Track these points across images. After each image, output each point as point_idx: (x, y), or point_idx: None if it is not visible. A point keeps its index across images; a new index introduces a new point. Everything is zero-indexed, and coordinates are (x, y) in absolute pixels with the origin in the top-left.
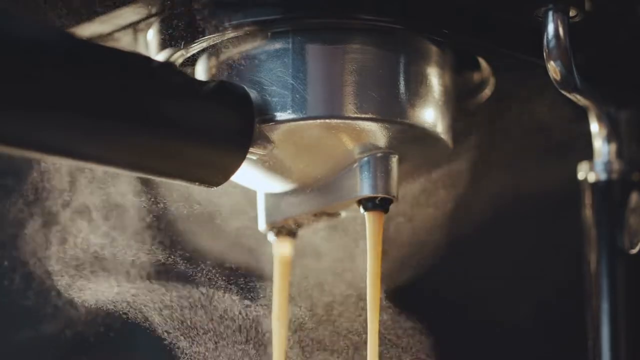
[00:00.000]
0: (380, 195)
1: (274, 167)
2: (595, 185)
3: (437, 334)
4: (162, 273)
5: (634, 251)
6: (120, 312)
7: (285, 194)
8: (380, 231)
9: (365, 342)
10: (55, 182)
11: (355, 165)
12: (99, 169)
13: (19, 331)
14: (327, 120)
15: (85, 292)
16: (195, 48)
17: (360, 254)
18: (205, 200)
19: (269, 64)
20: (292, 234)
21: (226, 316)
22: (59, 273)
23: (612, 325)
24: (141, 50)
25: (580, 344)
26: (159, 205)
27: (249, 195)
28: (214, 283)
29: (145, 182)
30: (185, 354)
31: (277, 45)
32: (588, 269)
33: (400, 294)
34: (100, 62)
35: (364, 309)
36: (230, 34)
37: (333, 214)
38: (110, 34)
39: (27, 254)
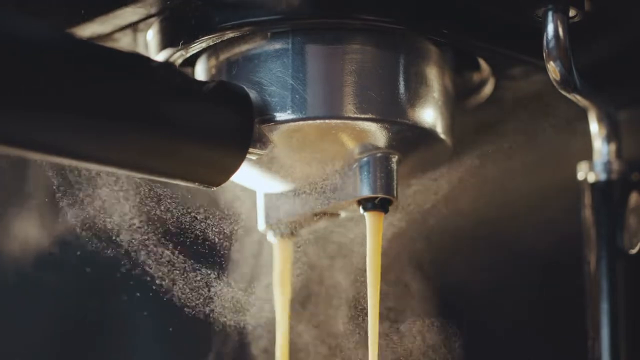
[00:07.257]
0: (379, 195)
1: (274, 167)
2: (595, 185)
3: (435, 334)
4: None
5: (634, 251)
6: None
7: (285, 194)
8: (380, 231)
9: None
10: None
11: (355, 165)
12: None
13: None
14: (327, 121)
15: None
16: (195, 48)
17: None
18: None
19: (269, 64)
20: (292, 234)
21: None
22: None
23: (612, 325)
24: (141, 50)
25: (580, 344)
26: None
27: None
28: None
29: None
30: None
31: (277, 45)
32: (588, 269)
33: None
34: (100, 62)
35: None
36: (229, 34)
37: (333, 214)
38: (110, 34)
39: None
